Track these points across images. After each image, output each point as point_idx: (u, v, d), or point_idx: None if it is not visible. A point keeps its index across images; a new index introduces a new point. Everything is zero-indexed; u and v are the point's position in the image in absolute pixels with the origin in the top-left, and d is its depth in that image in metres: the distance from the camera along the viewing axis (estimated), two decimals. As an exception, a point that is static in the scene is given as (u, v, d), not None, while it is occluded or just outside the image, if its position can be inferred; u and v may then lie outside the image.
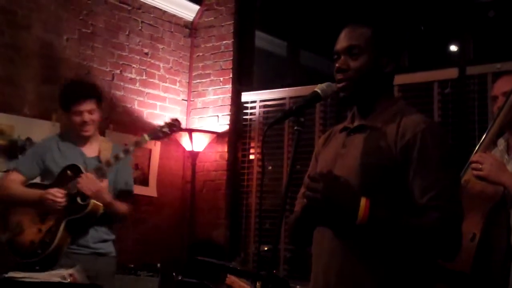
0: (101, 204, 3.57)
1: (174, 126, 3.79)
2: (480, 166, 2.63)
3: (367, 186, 1.93)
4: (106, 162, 3.59)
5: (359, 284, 1.92)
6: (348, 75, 2.03)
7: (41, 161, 3.65)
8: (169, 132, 3.77)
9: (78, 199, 3.53)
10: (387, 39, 2.08)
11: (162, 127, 3.77)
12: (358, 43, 2.03)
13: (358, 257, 1.93)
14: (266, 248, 4.66)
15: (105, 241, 3.68)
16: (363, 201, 1.86)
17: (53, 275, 3.07)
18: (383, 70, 2.06)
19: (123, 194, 3.75)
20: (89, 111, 3.62)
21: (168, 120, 3.85)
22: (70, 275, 3.08)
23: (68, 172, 3.58)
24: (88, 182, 3.50)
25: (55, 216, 3.53)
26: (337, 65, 2.06)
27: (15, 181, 3.63)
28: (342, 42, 2.07)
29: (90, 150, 3.73)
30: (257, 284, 3.39)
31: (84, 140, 3.71)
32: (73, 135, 3.72)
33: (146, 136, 3.69)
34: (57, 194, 3.49)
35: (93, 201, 3.54)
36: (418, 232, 1.87)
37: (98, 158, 3.69)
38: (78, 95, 3.64)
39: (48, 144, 3.72)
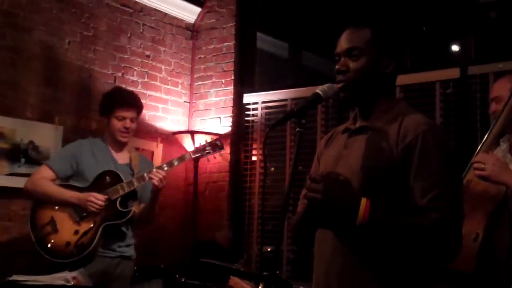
0: (137, 211, 3.71)
1: (217, 146, 3.97)
2: (483, 166, 2.63)
3: (368, 187, 1.93)
4: (149, 172, 3.70)
5: (360, 285, 1.92)
6: (348, 76, 2.04)
7: (75, 163, 3.71)
8: (211, 152, 4.00)
9: (118, 205, 3.60)
10: (387, 40, 2.08)
11: (206, 146, 3.96)
12: (357, 45, 2.04)
13: (359, 258, 1.93)
14: (269, 249, 4.66)
15: (129, 245, 3.79)
16: (363, 202, 1.86)
17: (57, 278, 3.08)
18: (384, 70, 2.06)
19: None
20: (131, 119, 3.73)
21: (211, 139, 4.00)
22: (74, 278, 3.08)
23: (107, 178, 3.65)
24: (162, 176, 3.66)
25: (92, 219, 3.60)
26: (337, 66, 2.07)
27: (46, 178, 3.67)
28: (342, 44, 2.08)
29: (122, 157, 3.83)
30: (260, 285, 3.39)
31: (119, 146, 3.82)
32: (109, 140, 3.81)
33: (190, 154, 3.94)
34: (100, 198, 3.58)
35: (133, 208, 3.68)
36: (417, 233, 1.87)
37: (129, 165, 3.80)
38: (127, 101, 3.77)
39: (82, 148, 3.78)
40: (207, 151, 3.97)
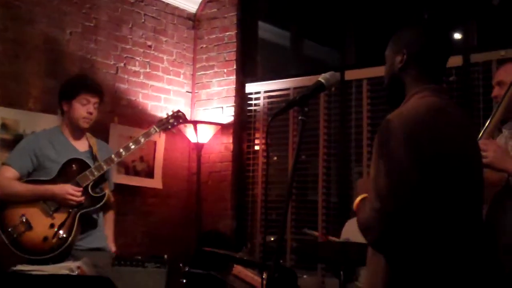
0: (109, 194, 3.65)
1: (179, 117, 3.88)
2: (484, 154, 2.63)
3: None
4: (116, 153, 3.65)
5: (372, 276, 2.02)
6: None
7: (35, 157, 3.58)
8: (175, 124, 3.89)
9: (90, 191, 3.56)
10: (397, 37, 2.13)
11: (168, 118, 3.85)
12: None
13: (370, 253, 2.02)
14: (272, 238, 4.67)
15: (99, 236, 3.69)
16: (360, 196, 2.01)
17: (61, 268, 3.09)
18: (398, 67, 2.09)
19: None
20: (94, 104, 3.66)
21: (171, 112, 3.91)
22: (78, 267, 3.09)
23: (73, 166, 3.58)
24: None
25: (66, 210, 3.51)
26: None
27: (10, 178, 3.55)
28: None
29: (81, 145, 3.73)
30: (264, 274, 3.40)
31: (79, 134, 3.71)
32: (67, 128, 3.70)
33: (155, 127, 3.81)
34: (76, 189, 3.50)
35: (106, 191, 3.61)
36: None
37: (91, 152, 3.71)
38: (93, 86, 3.70)
39: (39, 140, 3.66)
40: (171, 123, 3.87)
